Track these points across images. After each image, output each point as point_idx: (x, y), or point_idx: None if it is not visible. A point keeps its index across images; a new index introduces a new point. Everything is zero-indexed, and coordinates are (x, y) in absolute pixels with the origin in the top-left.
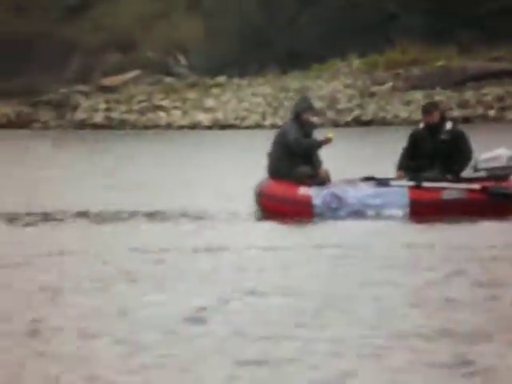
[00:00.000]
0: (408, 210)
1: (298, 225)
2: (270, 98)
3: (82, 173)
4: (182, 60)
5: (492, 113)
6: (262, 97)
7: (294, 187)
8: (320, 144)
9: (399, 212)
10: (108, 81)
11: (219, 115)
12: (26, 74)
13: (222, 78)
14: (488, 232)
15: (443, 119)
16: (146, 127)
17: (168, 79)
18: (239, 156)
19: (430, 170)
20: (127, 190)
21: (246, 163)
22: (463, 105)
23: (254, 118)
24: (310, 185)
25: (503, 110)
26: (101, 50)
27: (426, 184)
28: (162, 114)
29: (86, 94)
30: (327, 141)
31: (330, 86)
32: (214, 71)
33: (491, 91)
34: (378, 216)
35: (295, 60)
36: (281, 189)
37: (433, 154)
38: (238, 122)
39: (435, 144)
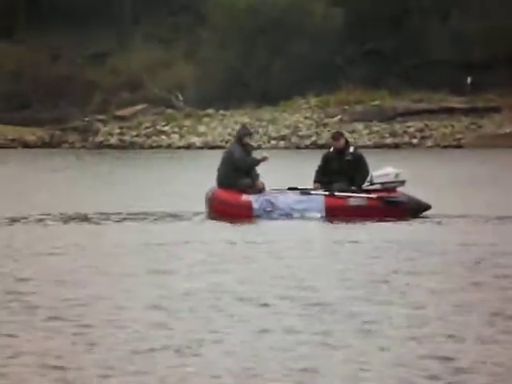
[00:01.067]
0: (324, 213)
1: (242, 223)
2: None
3: (109, 181)
4: (180, 96)
5: (415, 141)
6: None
7: (238, 194)
8: (258, 162)
9: (318, 215)
10: (121, 112)
11: (209, 138)
12: (58, 107)
13: (210, 110)
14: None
15: (347, 144)
16: (151, 147)
17: (169, 111)
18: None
19: (338, 183)
20: (134, 195)
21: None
22: (393, 134)
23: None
24: (249, 193)
25: (423, 139)
26: (116, 89)
27: (337, 193)
28: (164, 137)
29: (104, 122)
30: (264, 159)
31: (294, 117)
32: (205, 105)
33: (414, 124)
34: (302, 217)
35: (267, 97)
36: (227, 195)
37: (340, 170)
38: (223, 144)
39: (341, 163)
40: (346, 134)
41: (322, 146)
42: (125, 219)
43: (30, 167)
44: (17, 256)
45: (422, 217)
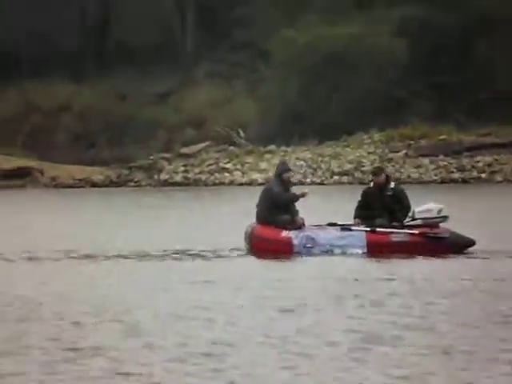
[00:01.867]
0: (365, 249)
1: (285, 260)
2: (310, 162)
3: (179, 217)
4: (242, 133)
5: (484, 175)
6: (303, 160)
7: (278, 230)
8: (297, 197)
9: (359, 251)
10: (185, 149)
11: (270, 175)
12: (125, 146)
13: (272, 147)
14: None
15: (388, 180)
16: (214, 184)
17: (231, 148)
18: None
19: (379, 219)
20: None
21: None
22: (461, 169)
23: (297, 177)
24: (289, 229)
25: (492, 174)
26: (180, 127)
27: (378, 229)
28: (226, 174)
29: (169, 160)
30: (303, 195)
31: (357, 152)
32: (266, 141)
33: (482, 159)
34: (343, 254)
35: (329, 132)
36: (267, 232)
37: (381, 206)
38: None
39: (382, 199)
40: (410, 170)
41: None
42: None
43: (112, 206)
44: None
45: (466, 253)
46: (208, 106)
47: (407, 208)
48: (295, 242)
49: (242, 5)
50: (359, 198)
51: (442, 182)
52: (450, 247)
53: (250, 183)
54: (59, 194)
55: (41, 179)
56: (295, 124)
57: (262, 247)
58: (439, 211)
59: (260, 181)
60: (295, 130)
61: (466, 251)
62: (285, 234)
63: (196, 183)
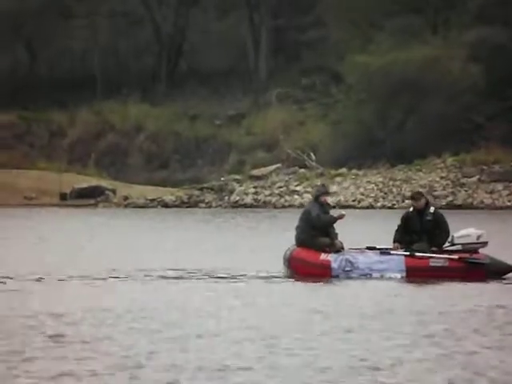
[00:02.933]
0: (405, 274)
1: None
2: (381, 186)
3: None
4: (313, 156)
5: None
6: (375, 184)
7: (317, 253)
8: (335, 219)
9: (398, 275)
10: (256, 171)
11: (341, 198)
12: (196, 168)
13: (343, 170)
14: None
15: (427, 204)
16: (284, 207)
17: (302, 170)
18: (353, 229)
19: (418, 243)
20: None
21: (360, 236)
22: None
23: (368, 201)
24: (328, 252)
25: None
26: (251, 148)
27: (417, 254)
28: (296, 196)
29: (240, 182)
30: (341, 217)
31: (429, 176)
32: (338, 164)
33: None
34: (382, 278)
35: (401, 156)
36: (306, 254)
37: (420, 230)
38: (355, 203)
39: (422, 223)
40: (483, 195)
41: (458, 207)
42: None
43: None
44: None
45: (505, 279)
46: (280, 128)
47: (446, 233)
48: (334, 265)
49: (315, 28)
50: (399, 223)
51: None
52: (489, 273)
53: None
54: (131, 214)
55: (113, 198)
56: (367, 147)
57: (300, 270)
58: (479, 237)
59: (331, 204)
60: (367, 154)
61: (504, 277)
62: (324, 256)
63: (266, 205)
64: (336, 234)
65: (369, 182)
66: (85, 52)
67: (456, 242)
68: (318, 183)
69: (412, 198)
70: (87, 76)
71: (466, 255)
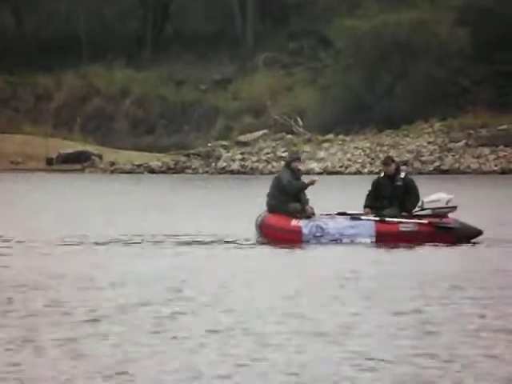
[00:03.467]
0: (374, 239)
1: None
2: (369, 151)
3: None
4: (300, 121)
5: None
6: (362, 150)
7: (288, 219)
8: (306, 185)
9: (368, 240)
10: (243, 137)
11: (328, 164)
12: (182, 132)
13: (330, 136)
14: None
15: (397, 170)
16: (271, 173)
17: (289, 136)
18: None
19: (389, 209)
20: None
21: (331, 201)
22: None
23: (355, 167)
24: (299, 218)
25: None
26: (238, 114)
27: (387, 219)
28: (283, 163)
29: (226, 148)
30: (312, 183)
31: (416, 142)
32: (325, 130)
33: None
34: (352, 243)
35: (389, 122)
36: (277, 220)
37: (390, 196)
38: (342, 170)
39: (392, 189)
40: (470, 160)
41: (445, 172)
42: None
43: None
44: None
45: (473, 243)
46: (267, 93)
47: (416, 198)
48: (305, 230)
49: None
50: (369, 188)
51: (503, 172)
52: (458, 237)
53: (307, 172)
54: (117, 179)
55: (99, 164)
56: (355, 113)
57: (271, 236)
58: (448, 201)
59: (317, 170)
60: (355, 119)
61: (473, 241)
62: (295, 222)
63: (253, 171)
64: (307, 200)
65: (356, 147)
66: (70, 15)
67: (426, 206)
68: (304, 149)
69: (383, 163)
70: (73, 39)
71: (436, 220)
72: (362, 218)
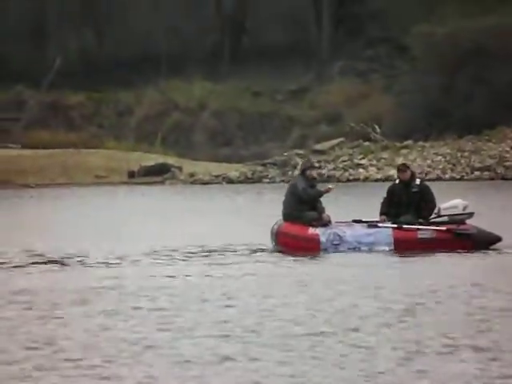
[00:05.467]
0: (393, 246)
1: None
2: (449, 157)
3: None
4: (378, 128)
5: None
6: (442, 156)
7: (304, 227)
8: (322, 193)
9: (386, 248)
10: (319, 146)
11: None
12: (259, 143)
13: (409, 142)
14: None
15: (413, 176)
16: (348, 180)
17: (366, 143)
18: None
19: (405, 216)
20: None
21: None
22: None
23: (435, 173)
24: (316, 226)
25: None
26: (314, 123)
27: (405, 226)
28: (361, 170)
29: (303, 156)
30: (328, 191)
31: (499, 147)
32: (403, 137)
33: None
34: (370, 251)
35: (469, 127)
36: (294, 229)
37: (406, 203)
38: (422, 176)
39: (408, 195)
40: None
41: None
42: None
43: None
44: None
45: (492, 249)
46: (343, 101)
47: (433, 205)
48: (322, 239)
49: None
50: (384, 195)
51: None
52: (476, 244)
53: (386, 179)
54: (197, 190)
55: (179, 175)
56: (434, 119)
57: (288, 244)
58: (465, 208)
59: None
60: (433, 125)
61: (492, 247)
62: (312, 231)
63: (329, 179)
64: (323, 208)
65: (436, 153)
66: (149, 32)
67: (442, 213)
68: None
69: (398, 170)
70: (152, 55)
71: (454, 226)
72: (380, 225)
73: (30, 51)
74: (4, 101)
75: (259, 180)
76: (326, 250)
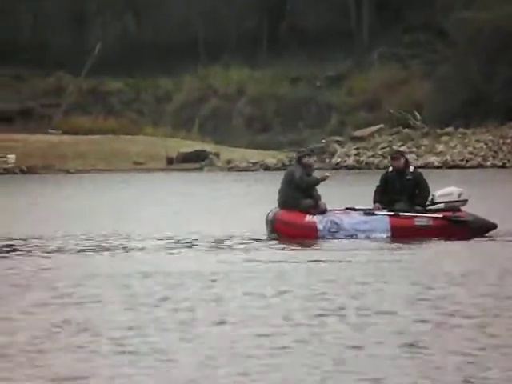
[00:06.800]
0: (389, 234)
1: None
2: (491, 144)
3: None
4: (418, 115)
5: None
6: (484, 143)
7: (302, 215)
8: (318, 181)
9: (383, 235)
10: (358, 133)
11: (448, 157)
12: (297, 130)
13: (450, 129)
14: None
15: (407, 164)
16: (387, 167)
17: (405, 130)
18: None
19: (399, 203)
20: None
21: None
22: None
23: (476, 160)
24: (313, 214)
25: None
26: (353, 109)
27: (402, 213)
28: None
29: (341, 143)
30: (324, 178)
31: None
32: (443, 123)
33: None
34: (367, 238)
35: (510, 113)
36: (291, 216)
37: (400, 190)
38: (463, 163)
39: (402, 183)
40: None
41: None
42: None
43: None
44: None
45: (488, 236)
46: (382, 88)
47: (427, 192)
48: (320, 226)
49: None
50: (378, 183)
51: None
52: (472, 231)
53: (425, 166)
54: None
55: (216, 162)
56: (475, 105)
57: (285, 232)
58: (460, 195)
59: (436, 164)
60: (474, 112)
61: (487, 235)
62: (309, 218)
63: (368, 166)
64: (319, 196)
65: (477, 140)
66: (187, 17)
67: (437, 200)
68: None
69: (392, 157)
70: (190, 42)
71: (449, 214)
72: (376, 212)
73: (70, 38)
74: (44, 87)
75: None
76: (323, 237)
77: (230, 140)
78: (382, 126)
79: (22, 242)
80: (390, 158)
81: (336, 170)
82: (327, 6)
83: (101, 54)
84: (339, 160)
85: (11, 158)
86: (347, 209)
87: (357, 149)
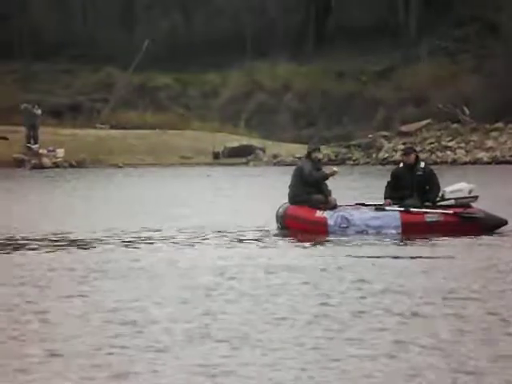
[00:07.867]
0: (400, 230)
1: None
2: None
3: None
4: (466, 110)
5: None
6: None
7: (312, 211)
8: (327, 176)
9: (394, 231)
10: (405, 127)
11: (497, 153)
12: (343, 125)
13: (499, 124)
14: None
15: (417, 160)
16: (435, 163)
17: (454, 125)
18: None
19: (410, 199)
20: None
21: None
22: None
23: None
24: (323, 209)
25: None
26: (400, 104)
27: (413, 209)
28: (449, 152)
29: (388, 138)
30: (333, 173)
31: None
32: (493, 118)
33: None
34: (378, 234)
35: None
36: (301, 212)
37: (411, 186)
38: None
39: (413, 179)
40: None
41: None
42: None
43: None
44: None
45: (498, 232)
46: (430, 82)
47: (438, 188)
48: (330, 222)
49: None
50: (389, 179)
51: None
52: (483, 227)
53: (475, 162)
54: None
55: (263, 157)
56: None
57: (296, 227)
58: (470, 191)
59: (486, 159)
60: None
61: (497, 231)
62: (319, 213)
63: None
64: (329, 191)
65: None
66: (235, 12)
67: (447, 196)
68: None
69: (403, 153)
70: (237, 37)
71: (460, 210)
72: (387, 208)
73: (119, 33)
74: (93, 82)
75: (343, 162)
76: (333, 233)
77: (276, 135)
78: (429, 120)
79: (106, 234)
80: (401, 153)
81: (383, 165)
82: (374, 0)
83: (149, 50)
84: (386, 155)
85: (60, 152)
86: (357, 204)
87: (404, 144)
